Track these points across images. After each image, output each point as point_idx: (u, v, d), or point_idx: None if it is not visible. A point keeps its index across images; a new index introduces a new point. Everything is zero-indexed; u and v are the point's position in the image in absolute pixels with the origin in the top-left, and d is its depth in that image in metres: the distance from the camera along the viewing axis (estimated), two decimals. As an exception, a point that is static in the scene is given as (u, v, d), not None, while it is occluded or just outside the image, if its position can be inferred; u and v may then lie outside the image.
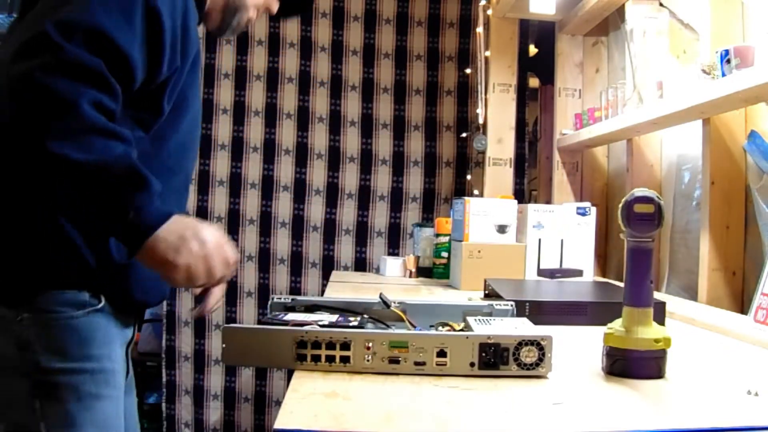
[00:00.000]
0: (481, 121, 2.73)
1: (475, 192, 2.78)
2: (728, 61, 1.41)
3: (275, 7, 1.30)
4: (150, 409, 3.00)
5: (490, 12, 2.69)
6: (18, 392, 0.96)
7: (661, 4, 1.99)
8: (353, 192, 2.92)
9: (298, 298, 1.12)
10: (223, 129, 2.87)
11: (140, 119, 1.04)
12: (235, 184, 2.88)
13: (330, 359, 0.87)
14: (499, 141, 2.70)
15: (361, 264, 2.90)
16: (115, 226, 0.91)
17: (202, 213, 2.84)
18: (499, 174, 2.69)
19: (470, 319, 1.00)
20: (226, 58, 2.87)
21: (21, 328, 0.96)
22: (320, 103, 2.90)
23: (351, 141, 2.92)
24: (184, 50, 1.04)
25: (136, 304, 1.11)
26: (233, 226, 2.86)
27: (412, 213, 2.94)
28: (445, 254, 2.19)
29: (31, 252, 0.98)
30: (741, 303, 1.61)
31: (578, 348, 1.11)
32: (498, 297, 1.37)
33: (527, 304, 1.30)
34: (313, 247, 2.90)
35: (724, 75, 1.42)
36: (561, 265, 1.97)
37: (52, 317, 0.97)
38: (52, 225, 0.98)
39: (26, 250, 0.98)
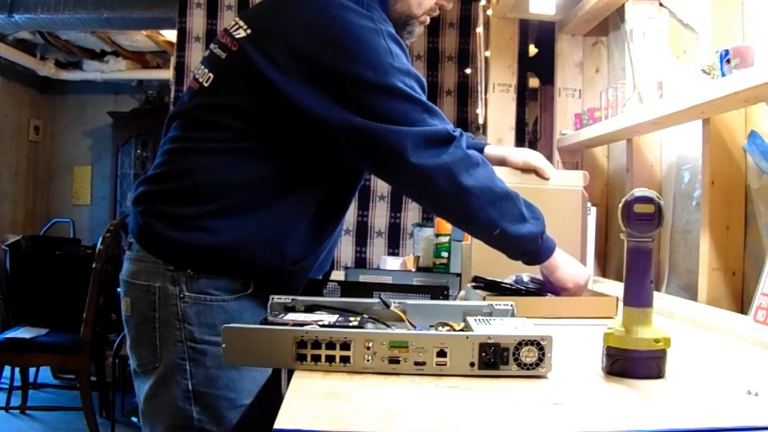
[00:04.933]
0: (481, 121, 2.74)
1: (475, 192, 2.77)
2: (728, 61, 1.41)
3: (449, 2, 1.38)
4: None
5: (490, 12, 2.69)
6: (173, 353, 1.15)
7: (661, 4, 1.99)
8: (353, 192, 2.91)
9: (298, 298, 1.12)
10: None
11: None
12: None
13: (330, 359, 0.87)
14: (499, 141, 2.70)
15: (361, 264, 2.90)
16: None
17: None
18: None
19: (470, 319, 1.00)
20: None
21: (182, 304, 1.15)
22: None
23: (351, 141, 2.92)
24: None
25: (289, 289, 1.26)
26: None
27: (412, 213, 2.94)
28: (445, 254, 2.19)
29: (206, 248, 1.15)
30: (741, 303, 1.61)
31: (578, 348, 1.11)
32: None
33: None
34: (313, 247, 2.89)
35: (723, 75, 1.42)
36: (561, 265, 1.96)
37: (207, 298, 1.16)
38: (250, 231, 1.16)
39: (204, 248, 1.15)
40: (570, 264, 1.33)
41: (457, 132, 1.17)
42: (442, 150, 1.13)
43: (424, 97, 1.18)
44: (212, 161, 1.17)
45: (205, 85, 1.20)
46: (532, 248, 1.25)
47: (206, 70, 1.22)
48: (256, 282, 1.20)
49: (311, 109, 1.12)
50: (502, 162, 1.54)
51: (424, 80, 1.23)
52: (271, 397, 1.24)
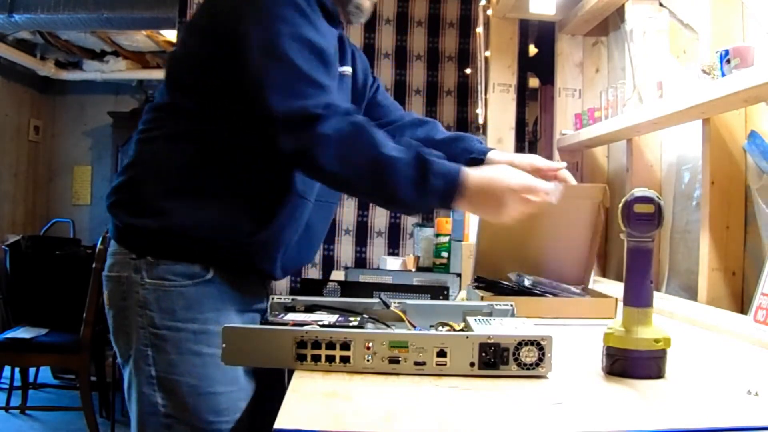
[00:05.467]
0: (481, 121, 2.74)
1: (475, 192, 2.77)
2: (728, 61, 1.41)
3: None
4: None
5: (490, 12, 2.69)
6: (138, 340, 1.17)
7: (661, 4, 1.99)
8: (353, 192, 2.91)
9: (298, 298, 1.12)
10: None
11: None
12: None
13: (330, 359, 0.87)
14: (499, 141, 2.70)
15: (361, 264, 2.90)
16: None
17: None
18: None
19: (470, 319, 1.00)
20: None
21: (143, 291, 1.17)
22: (320, 103, 2.90)
23: (351, 141, 2.92)
24: None
25: (262, 275, 1.28)
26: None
27: (412, 213, 2.94)
28: (445, 254, 2.19)
29: (159, 231, 1.18)
30: (741, 303, 1.61)
31: (578, 348, 1.11)
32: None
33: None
34: (313, 247, 2.89)
35: (723, 75, 1.42)
36: (561, 265, 1.96)
37: (166, 284, 1.17)
38: (183, 208, 1.17)
39: (157, 231, 1.18)
40: (486, 199, 1.13)
41: (324, 110, 1.10)
42: (302, 133, 1.10)
43: (316, 67, 1.14)
44: (158, 146, 1.22)
45: (163, 79, 1.29)
46: (426, 209, 1.21)
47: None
48: (216, 267, 1.20)
49: (213, 76, 1.18)
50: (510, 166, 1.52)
51: (328, 49, 1.18)
52: (270, 396, 1.23)
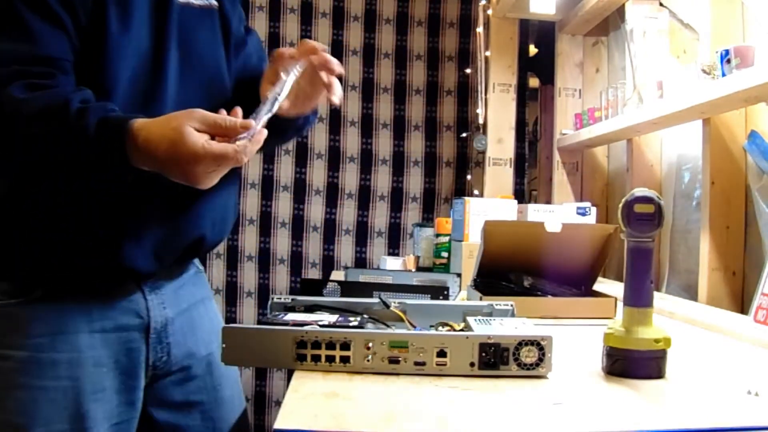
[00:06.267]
0: (481, 121, 2.74)
1: (475, 192, 2.78)
2: (728, 61, 1.41)
3: None
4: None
5: (490, 12, 2.69)
6: None
7: (661, 4, 1.99)
8: (353, 192, 2.92)
9: (298, 298, 1.12)
10: (223, 129, 2.87)
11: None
12: (235, 184, 2.88)
13: (330, 359, 0.87)
14: (499, 141, 2.70)
15: (361, 264, 2.90)
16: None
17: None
18: (499, 174, 2.70)
19: (470, 319, 1.00)
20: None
21: None
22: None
23: (351, 141, 2.92)
24: None
25: (125, 273, 1.03)
26: (234, 226, 2.86)
27: (412, 213, 2.94)
28: (445, 254, 2.19)
29: None
30: (741, 303, 1.61)
31: (578, 348, 1.11)
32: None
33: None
34: (313, 247, 2.90)
35: (724, 75, 1.42)
36: (561, 265, 1.96)
37: None
38: None
39: None
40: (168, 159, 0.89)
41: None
42: None
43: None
44: None
45: None
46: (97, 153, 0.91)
47: None
48: (47, 281, 1.01)
49: None
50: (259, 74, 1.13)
51: None
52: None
